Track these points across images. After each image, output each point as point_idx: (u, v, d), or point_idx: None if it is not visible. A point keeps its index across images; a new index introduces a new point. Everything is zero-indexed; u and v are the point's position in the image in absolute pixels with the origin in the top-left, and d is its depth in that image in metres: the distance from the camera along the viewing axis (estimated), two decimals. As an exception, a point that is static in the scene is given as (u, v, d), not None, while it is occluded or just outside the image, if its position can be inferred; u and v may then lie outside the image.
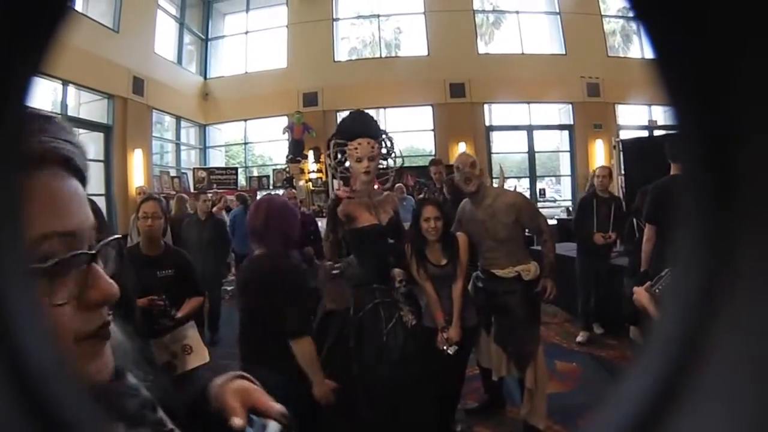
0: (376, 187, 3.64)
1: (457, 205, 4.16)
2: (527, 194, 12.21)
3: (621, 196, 7.85)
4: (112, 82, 11.20)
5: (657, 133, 10.06)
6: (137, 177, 11.64)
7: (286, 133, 13.37)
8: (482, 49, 14.44)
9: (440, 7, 13.86)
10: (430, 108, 14.01)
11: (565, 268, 5.69)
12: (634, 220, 5.53)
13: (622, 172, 8.56)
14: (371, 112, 3.81)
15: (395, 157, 3.64)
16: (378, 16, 14.99)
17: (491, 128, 14.24)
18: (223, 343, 6.17)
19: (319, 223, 6.89)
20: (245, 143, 15.85)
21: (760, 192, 0.27)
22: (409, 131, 14.64)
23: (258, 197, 6.89)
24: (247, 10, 15.48)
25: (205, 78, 15.35)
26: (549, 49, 14.28)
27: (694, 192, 0.31)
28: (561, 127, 14.52)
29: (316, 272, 3.75)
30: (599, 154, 13.21)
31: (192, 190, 11.98)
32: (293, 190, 9.91)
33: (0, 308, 0.33)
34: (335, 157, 3.51)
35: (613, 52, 14.39)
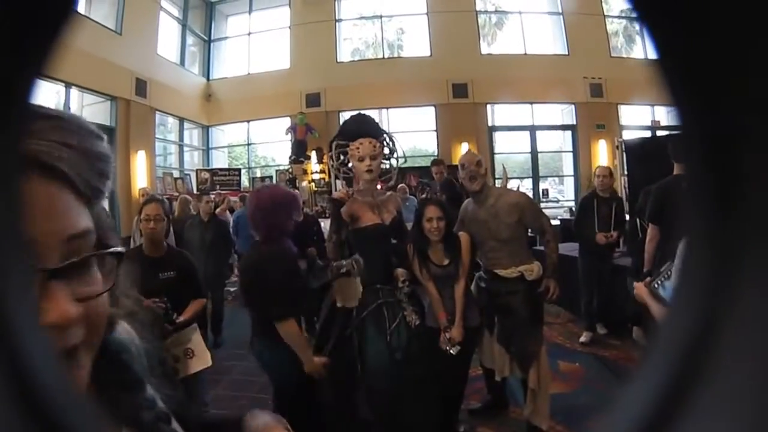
0: (379, 186, 3.64)
1: (451, 204, 4.16)
2: (530, 194, 12.20)
3: (624, 196, 7.84)
4: (115, 84, 11.21)
5: (660, 133, 10.03)
6: (140, 178, 11.66)
7: (289, 134, 13.38)
8: (485, 49, 14.45)
9: (443, 8, 13.85)
10: (432, 108, 14.02)
11: (568, 268, 5.68)
12: (637, 220, 5.52)
13: (625, 172, 8.54)
14: (374, 113, 3.84)
15: (398, 157, 3.65)
16: (380, 16, 14.99)
17: (494, 128, 14.23)
18: (226, 345, 6.18)
19: (322, 224, 6.89)
20: (248, 144, 15.86)
21: (765, 193, 0.27)
22: (412, 132, 14.63)
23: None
24: (250, 11, 15.51)
25: (208, 79, 15.38)
26: (552, 50, 14.27)
27: (697, 193, 0.30)
28: (564, 128, 14.50)
29: (319, 272, 3.75)
30: (602, 155, 13.19)
31: (195, 192, 12.00)
32: (296, 191, 9.92)
33: (1, 311, 0.33)
34: (337, 158, 3.52)
35: (615, 53, 14.37)
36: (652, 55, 0.30)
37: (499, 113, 14.37)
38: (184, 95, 14.05)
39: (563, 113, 14.45)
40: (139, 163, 11.79)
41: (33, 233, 0.50)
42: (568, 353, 5.69)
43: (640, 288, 2.58)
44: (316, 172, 13.11)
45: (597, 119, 13.55)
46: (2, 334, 0.33)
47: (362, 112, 3.78)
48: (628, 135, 12.25)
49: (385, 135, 3.54)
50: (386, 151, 3.52)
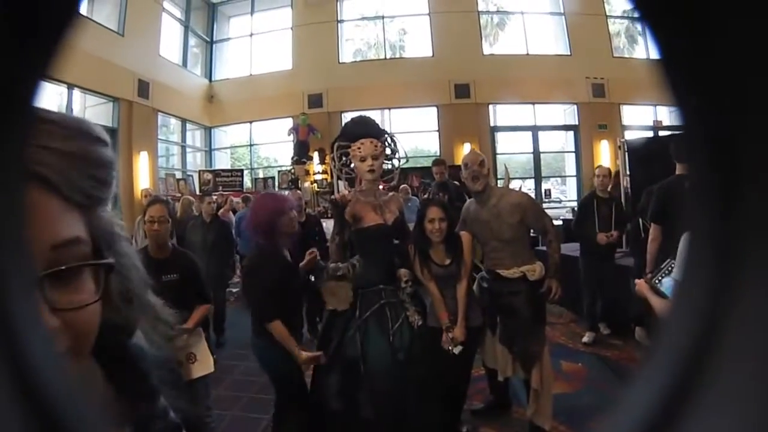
0: (381, 187, 3.65)
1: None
2: (532, 195, 12.20)
3: (625, 196, 7.84)
4: (117, 86, 11.22)
5: (662, 133, 10.01)
6: (143, 179, 11.66)
7: (291, 135, 13.38)
8: (487, 50, 14.42)
9: (444, 9, 13.85)
10: (435, 109, 14.01)
11: (571, 268, 5.68)
12: (640, 220, 5.52)
13: (627, 172, 8.54)
14: (376, 113, 3.86)
15: (399, 157, 3.65)
16: (382, 17, 14.98)
17: (496, 129, 14.22)
18: (229, 345, 6.18)
19: (324, 224, 6.89)
20: (250, 145, 15.86)
21: (766, 193, 0.27)
22: (414, 132, 14.62)
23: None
24: (252, 12, 15.51)
25: (210, 80, 15.38)
26: (554, 50, 14.25)
27: (699, 193, 0.31)
28: (566, 128, 14.48)
29: (321, 273, 3.75)
30: (604, 155, 13.17)
31: (198, 193, 12.01)
32: (298, 192, 9.92)
33: (3, 311, 0.33)
34: (339, 159, 3.53)
35: (618, 53, 14.35)
36: (654, 55, 0.30)
37: (502, 113, 14.35)
38: (187, 96, 14.06)
39: (565, 113, 14.44)
40: (142, 164, 11.79)
41: None
42: (570, 353, 5.69)
43: (641, 284, 2.62)
44: (319, 172, 13.11)
45: (599, 119, 13.53)
46: (6, 335, 0.33)
47: (364, 113, 3.80)
48: (630, 135, 12.23)
49: (386, 135, 3.56)
50: (388, 151, 3.53)
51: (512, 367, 3.79)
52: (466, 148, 12.30)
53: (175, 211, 6.65)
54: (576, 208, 7.37)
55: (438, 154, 13.39)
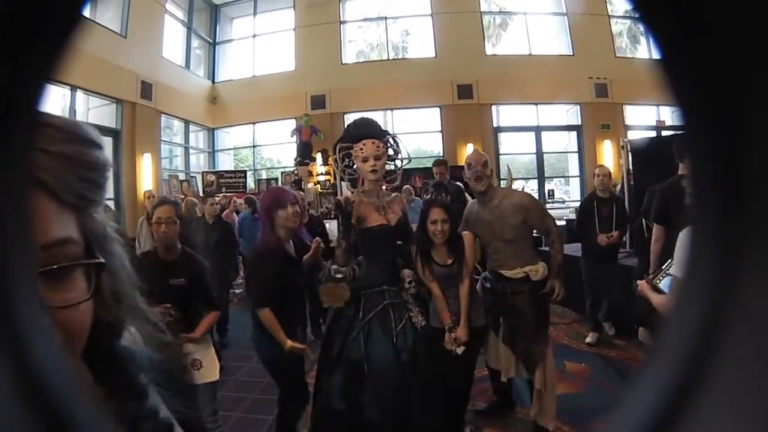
0: (384, 187, 3.65)
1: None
2: (536, 195, 12.19)
3: (628, 196, 7.81)
4: (121, 87, 11.24)
5: (665, 133, 9.99)
6: (146, 181, 11.67)
7: (294, 136, 13.39)
8: (489, 50, 14.41)
9: (447, 9, 13.85)
10: (437, 109, 14.02)
11: (574, 268, 5.67)
12: (643, 220, 5.51)
13: (631, 172, 8.52)
14: (379, 114, 3.88)
15: (402, 158, 3.66)
16: (385, 18, 14.98)
17: (499, 129, 14.22)
18: (232, 346, 6.18)
19: (327, 225, 6.90)
20: (254, 146, 15.86)
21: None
22: (417, 133, 14.61)
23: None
24: (255, 13, 15.51)
25: (213, 82, 15.39)
26: (556, 50, 14.24)
27: (702, 193, 0.31)
28: (569, 128, 14.47)
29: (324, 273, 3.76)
30: (608, 155, 13.16)
31: (201, 194, 12.01)
32: (302, 192, 9.92)
33: (8, 312, 0.33)
34: (342, 160, 3.54)
35: (620, 53, 14.33)
36: (655, 55, 0.30)
37: (504, 114, 14.35)
38: (190, 98, 14.07)
39: (568, 114, 14.42)
40: (145, 165, 11.80)
41: None
42: (574, 353, 5.69)
43: (642, 285, 2.63)
44: (322, 173, 13.11)
45: (602, 119, 13.53)
46: (11, 334, 0.33)
47: (366, 114, 3.81)
48: (633, 135, 12.21)
49: (388, 136, 3.56)
50: (390, 152, 3.54)
51: (515, 368, 3.79)
52: (469, 149, 12.29)
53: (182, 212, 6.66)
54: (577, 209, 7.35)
55: (441, 154, 13.38)
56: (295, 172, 13.18)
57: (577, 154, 14.30)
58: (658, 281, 2.63)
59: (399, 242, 3.56)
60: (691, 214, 0.32)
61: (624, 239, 6.42)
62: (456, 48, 13.67)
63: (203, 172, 13.60)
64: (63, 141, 0.56)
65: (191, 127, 14.70)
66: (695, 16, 0.27)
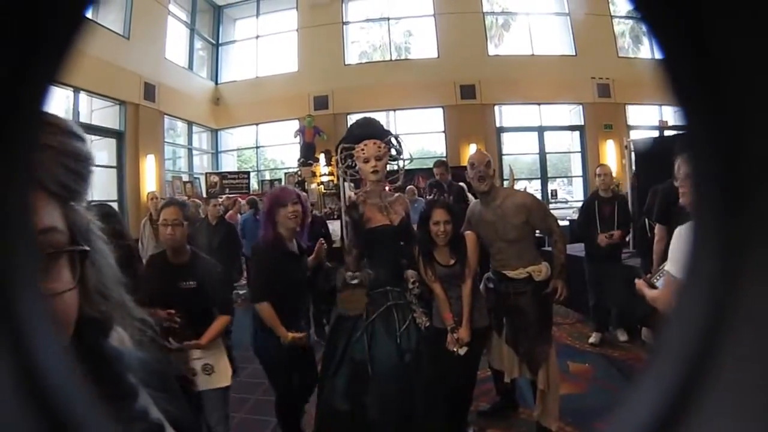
0: (387, 188, 3.66)
1: None
2: (539, 195, 12.18)
3: (631, 196, 7.79)
4: (124, 89, 11.26)
5: (668, 133, 9.97)
6: (149, 182, 11.68)
7: (298, 137, 13.40)
8: (492, 50, 14.40)
9: (449, 10, 13.84)
10: (440, 110, 14.00)
11: (577, 268, 5.66)
12: (646, 220, 5.50)
13: (633, 172, 8.50)
14: (382, 115, 3.88)
15: (404, 158, 3.66)
16: (388, 19, 14.98)
17: (502, 129, 14.20)
18: (235, 347, 6.16)
19: (330, 226, 6.90)
20: (257, 147, 15.86)
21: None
22: (420, 133, 14.62)
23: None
24: (258, 14, 15.52)
25: (217, 83, 15.41)
26: (559, 50, 14.22)
27: (704, 193, 0.31)
28: (572, 128, 14.45)
29: (328, 275, 3.76)
30: (610, 155, 13.14)
31: (204, 195, 12.03)
32: (304, 194, 9.90)
33: (10, 310, 0.33)
34: (344, 161, 3.54)
35: (623, 53, 14.31)
36: (657, 55, 0.30)
37: (507, 114, 14.33)
38: (193, 99, 14.09)
39: (571, 114, 14.41)
40: (149, 167, 11.81)
41: None
42: (577, 354, 5.68)
43: (639, 283, 2.66)
44: (325, 174, 13.09)
45: (605, 119, 13.51)
46: (12, 333, 0.33)
47: (368, 115, 3.81)
48: (636, 135, 12.20)
49: (390, 136, 3.56)
50: (393, 152, 3.54)
51: (519, 368, 3.79)
52: (472, 149, 12.28)
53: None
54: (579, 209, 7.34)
55: (444, 155, 13.38)
56: (299, 172, 13.17)
57: (579, 155, 14.28)
58: (655, 280, 2.64)
59: (402, 243, 3.57)
60: (692, 214, 0.32)
61: (627, 239, 6.41)
62: (459, 48, 13.66)
63: (206, 173, 13.60)
64: (49, 133, 0.57)
65: (194, 129, 14.72)
66: (696, 17, 0.27)
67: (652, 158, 7.30)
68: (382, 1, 15.10)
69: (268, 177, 15.21)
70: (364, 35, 15.39)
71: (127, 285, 0.74)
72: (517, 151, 15.09)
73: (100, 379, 0.63)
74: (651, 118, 13.57)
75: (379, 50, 15.26)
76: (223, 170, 14.41)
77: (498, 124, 14.06)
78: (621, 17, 14.25)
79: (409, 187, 7.91)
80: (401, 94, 13.52)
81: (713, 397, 0.28)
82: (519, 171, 14.06)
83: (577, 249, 6.28)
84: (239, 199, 9.67)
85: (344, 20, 14.67)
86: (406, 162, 3.71)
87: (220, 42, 15.80)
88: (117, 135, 11.36)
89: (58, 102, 9.70)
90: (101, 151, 11.30)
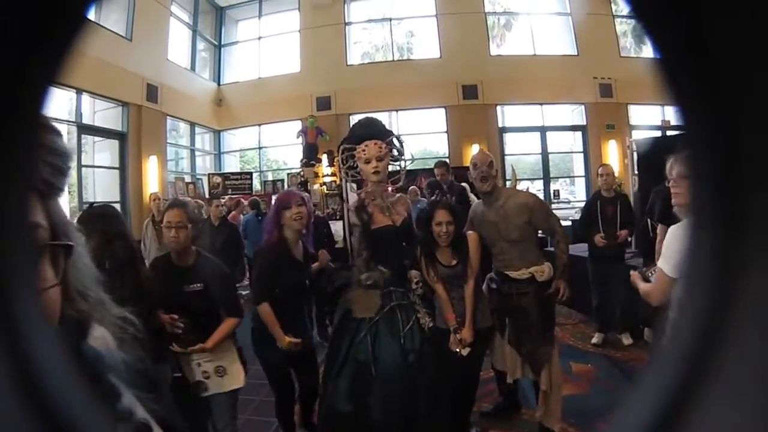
0: (389, 189, 3.66)
1: None
2: (541, 196, 12.18)
3: (633, 196, 7.79)
4: (126, 90, 11.26)
5: (670, 133, 9.96)
6: (152, 183, 11.69)
7: (300, 137, 13.41)
8: (494, 50, 14.38)
9: (451, 10, 13.84)
10: (443, 110, 13.99)
11: (580, 269, 5.65)
12: (648, 220, 5.49)
13: (635, 172, 8.50)
14: (384, 115, 3.88)
15: (405, 158, 3.66)
16: (390, 19, 14.98)
17: (504, 130, 14.19)
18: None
19: (333, 226, 6.90)
20: (259, 148, 15.86)
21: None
22: (423, 134, 14.63)
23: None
24: (260, 15, 15.53)
25: (219, 84, 15.41)
26: (561, 50, 14.21)
27: (702, 193, 0.31)
28: (574, 128, 14.43)
29: (331, 276, 3.76)
30: (613, 155, 13.12)
31: (207, 196, 12.04)
32: (306, 194, 9.89)
33: (8, 311, 0.33)
34: (345, 162, 3.55)
35: (625, 53, 14.29)
36: (655, 57, 0.30)
37: (509, 114, 14.32)
38: (195, 100, 14.11)
39: (573, 114, 14.39)
40: (151, 168, 11.82)
41: None
42: (580, 354, 5.68)
43: (634, 275, 2.67)
44: (328, 174, 13.09)
45: (607, 119, 13.49)
46: (11, 336, 0.33)
47: (370, 115, 3.81)
48: (638, 135, 12.19)
49: (392, 137, 3.56)
50: (394, 152, 3.54)
51: (521, 369, 3.79)
52: (474, 149, 12.26)
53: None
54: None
55: (446, 155, 13.39)
56: (301, 173, 13.17)
57: (582, 155, 14.26)
58: (650, 274, 2.66)
59: (404, 243, 3.57)
60: (691, 213, 0.32)
61: (629, 239, 6.40)
62: (461, 49, 13.66)
63: (209, 174, 13.61)
64: None
65: (197, 130, 14.73)
66: (695, 17, 0.27)
67: (655, 158, 7.29)
68: (384, 1, 15.09)
69: (270, 178, 15.20)
70: (367, 36, 15.39)
71: (105, 282, 0.74)
72: (520, 151, 15.06)
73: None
74: (653, 118, 13.54)
75: (382, 51, 15.26)
76: (226, 171, 14.42)
77: (500, 125, 14.05)
78: (623, 17, 14.23)
79: (411, 187, 7.91)
80: (403, 95, 13.53)
81: (713, 397, 0.28)
82: (521, 171, 14.06)
83: (580, 249, 6.28)
84: (242, 200, 9.68)
85: (346, 21, 14.67)
86: (408, 162, 3.72)
87: (222, 43, 15.81)
88: (120, 136, 11.38)
89: (61, 103, 9.73)
90: (104, 152, 11.33)
